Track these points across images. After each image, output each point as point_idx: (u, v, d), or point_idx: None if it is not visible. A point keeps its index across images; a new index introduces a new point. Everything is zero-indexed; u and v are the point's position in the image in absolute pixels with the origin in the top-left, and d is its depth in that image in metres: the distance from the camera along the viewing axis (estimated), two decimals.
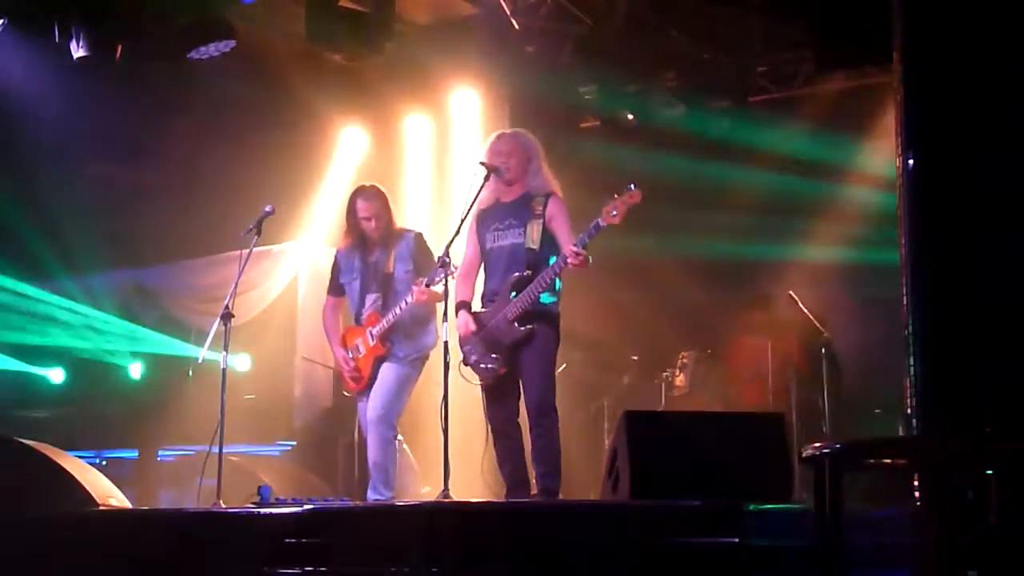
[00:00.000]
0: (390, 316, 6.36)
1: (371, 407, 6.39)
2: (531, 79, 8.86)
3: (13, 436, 6.20)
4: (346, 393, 6.71)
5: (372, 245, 6.55)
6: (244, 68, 8.51)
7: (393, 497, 6.28)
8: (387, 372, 6.42)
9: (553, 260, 5.79)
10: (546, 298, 5.81)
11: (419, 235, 6.58)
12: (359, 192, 6.61)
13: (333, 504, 6.22)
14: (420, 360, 6.51)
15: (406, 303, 6.29)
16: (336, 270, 6.69)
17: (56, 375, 9.87)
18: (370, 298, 6.51)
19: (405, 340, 6.44)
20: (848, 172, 8.61)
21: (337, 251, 6.77)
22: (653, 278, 8.82)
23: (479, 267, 6.13)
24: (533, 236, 5.86)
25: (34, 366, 9.87)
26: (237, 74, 8.50)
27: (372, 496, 6.30)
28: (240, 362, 8.98)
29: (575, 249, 5.57)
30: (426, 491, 6.83)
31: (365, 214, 6.51)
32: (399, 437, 6.62)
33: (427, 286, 6.05)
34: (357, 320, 6.57)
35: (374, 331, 6.42)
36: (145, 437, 9.47)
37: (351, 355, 6.52)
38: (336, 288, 6.68)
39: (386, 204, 6.58)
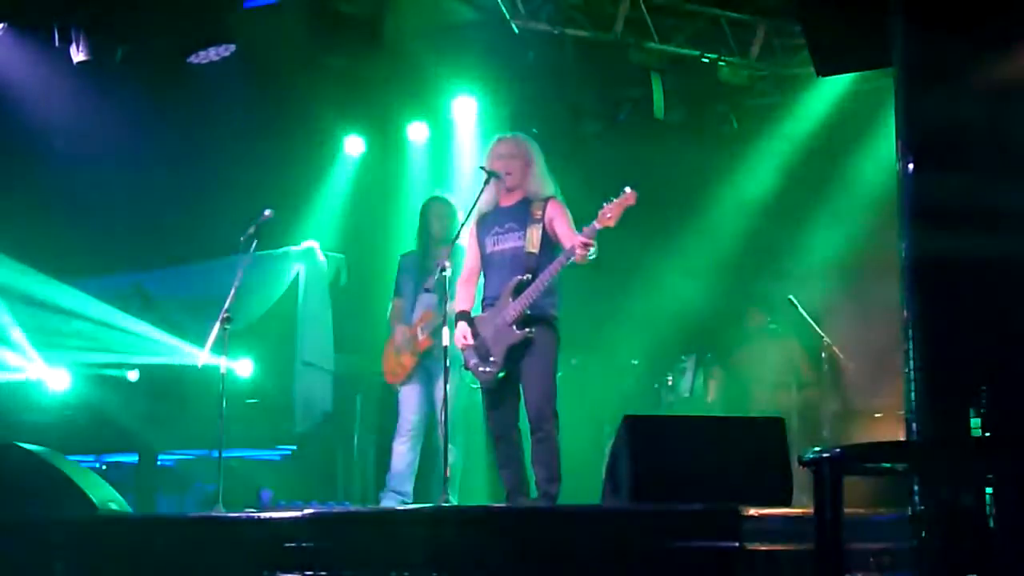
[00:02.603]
0: (442, 315, 6.54)
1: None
2: (531, 83, 8.87)
3: (13, 440, 6.20)
4: (391, 382, 7.03)
5: (433, 252, 6.87)
6: (244, 72, 8.52)
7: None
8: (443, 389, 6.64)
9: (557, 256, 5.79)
10: (546, 302, 5.81)
11: None
12: (433, 198, 7.20)
13: (333, 508, 6.23)
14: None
15: (445, 312, 6.52)
16: (399, 272, 7.17)
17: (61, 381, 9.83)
18: (425, 297, 6.80)
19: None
20: (848, 175, 8.60)
21: (402, 256, 7.20)
22: (654, 281, 8.83)
23: (479, 272, 6.13)
24: (533, 240, 5.86)
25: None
26: (237, 78, 8.52)
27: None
28: (242, 367, 8.95)
29: (584, 239, 5.57)
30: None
31: (438, 212, 7.02)
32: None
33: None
34: (408, 319, 6.95)
35: (424, 327, 6.79)
36: (145, 441, 9.45)
37: (399, 353, 6.93)
38: (398, 290, 7.13)
39: (456, 214, 7.01)
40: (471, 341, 5.91)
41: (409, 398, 6.94)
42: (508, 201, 6.04)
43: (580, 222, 5.83)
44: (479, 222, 6.09)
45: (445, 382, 5.78)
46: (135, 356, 9.35)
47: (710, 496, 4.37)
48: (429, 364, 6.83)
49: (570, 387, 7.61)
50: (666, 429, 5.13)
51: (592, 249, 5.61)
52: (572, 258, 5.63)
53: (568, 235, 5.78)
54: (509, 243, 5.94)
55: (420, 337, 6.85)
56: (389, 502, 6.71)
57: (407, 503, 6.62)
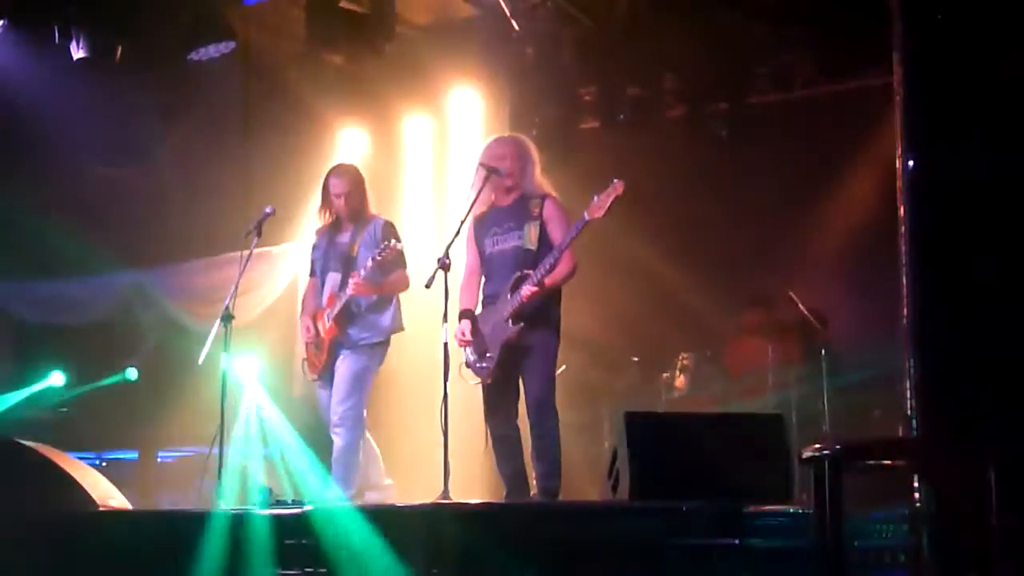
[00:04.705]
0: (343, 296, 6.40)
1: (335, 407, 6.41)
2: (531, 80, 8.86)
3: (13, 437, 6.20)
4: (310, 378, 6.67)
5: (343, 225, 6.59)
6: (244, 69, 8.52)
7: (352, 495, 6.31)
8: (344, 366, 6.44)
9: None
10: (544, 299, 5.82)
11: (388, 223, 6.59)
12: (333, 170, 6.69)
13: (333, 505, 6.22)
14: (379, 346, 6.50)
15: (346, 293, 6.36)
16: (312, 249, 6.75)
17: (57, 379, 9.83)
18: (331, 278, 6.54)
19: (361, 324, 6.46)
20: (848, 173, 8.60)
21: (316, 230, 6.80)
22: (653, 279, 8.82)
23: (480, 273, 6.13)
24: (531, 238, 5.90)
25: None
26: (237, 75, 8.51)
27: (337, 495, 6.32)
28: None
29: (529, 290, 5.71)
30: (387, 483, 6.76)
31: (336, 191, 6.55)
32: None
33: (426, 287, 6.07)
34: (320, 303, 6.59)
35: (330, 313, 6.45)
36: (145, 438, 9.47)
37: (315, 343, 6.54)
38: (311, 269, 6.73)
39: (359, 185, 6.60)
40: (469, 338, 5.92)
41: (323, 396, 6.58)
42: (505, 201, 6.07)
43: (577, 219, 5.85)
44: (478, 224, 6.11)
45: (445, 380, 5.78)
46: None
47: (710, 493, 4.37)
48: (337, 356, 6.46)
49: (570, 384, 7.62)
50: (666, 426, 5.13)
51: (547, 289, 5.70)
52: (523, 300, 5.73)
53: (560, 239, 5.82)
54: (509, 243, 5.97)
55: (326, 325, 6.46)
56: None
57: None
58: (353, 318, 6.44)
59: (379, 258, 6.21)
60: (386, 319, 6.49)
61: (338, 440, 6.40)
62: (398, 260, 6.35)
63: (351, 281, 6.32)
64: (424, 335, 6.52)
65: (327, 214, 6.62)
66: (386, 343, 6.54)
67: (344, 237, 6.56)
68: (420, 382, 6.77)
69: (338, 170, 6.66)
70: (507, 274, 5.91)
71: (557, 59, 8.76)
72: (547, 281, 5.76)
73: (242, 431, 8.35)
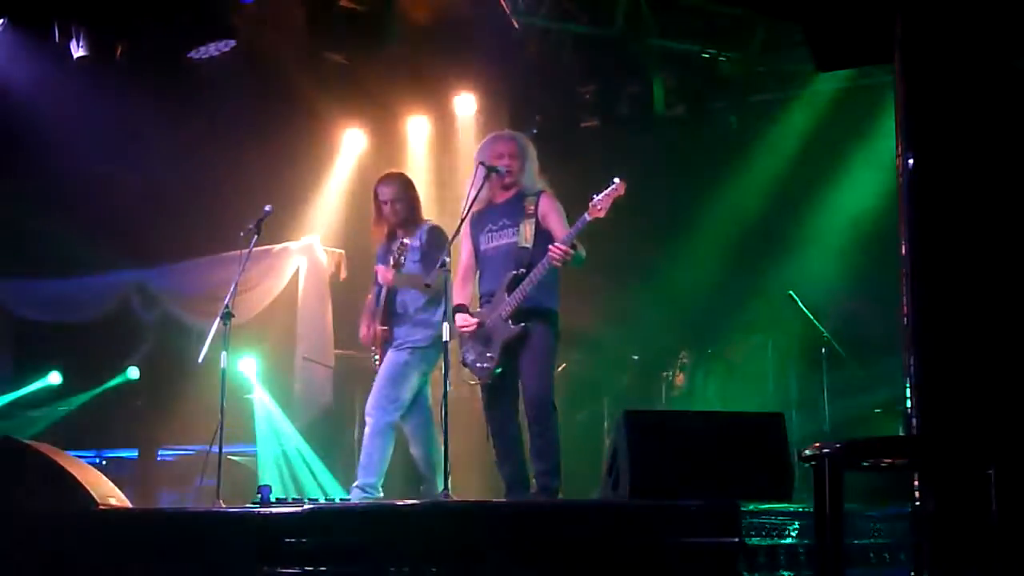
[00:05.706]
0: (383, 298, 6.45)
1: (370, 395, 6.48)
2: (531, 79, 8.86)
3: (13, 435, 6.21)
4: None
5: (397, 234, 6.58)
6: (244, 68, 8.52)
7: (374, 484, 6.30)
8: (387, 359, 6.49)
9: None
10: (542, 296, 5.82)
11: (434, 227, 6.59)
12: (381, 179, 6.73)
13: (333, 504, 6.22)
14: (422, 350, 6.45)
15: (379, 286, 6.43)
16: (376, 260, 6.78)
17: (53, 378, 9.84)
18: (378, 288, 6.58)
19: (408, 325, 6.47)
20: (848, 171, 8.60)
21: (378, 241, 6.82)
22: (653, 278, 8.83)
23: (475, 269, 6.13)
24: (526, 235, 5.89)
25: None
26: (237, 74, 8.51)
27: (358, 482, 6.33)
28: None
29: (559, 249, 5.62)
30: None
31: (384, 198, 6.59)
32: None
33: (426, 285, 6.07)
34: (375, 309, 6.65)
35: (377, 315, 6.52)
36: (145, 437, 9.48)
37: (371, 341, 6.62)
38: (375, 277, 6.76)
39: (407, 190, 6.64)
40: (472, 327, 5.91)
41: None
42: (501, 198, 6.08)
43: (575, 217, 5.85)
44: (474, 220, 6.10)
45: (445, 379, 5.78)
46: None
47: (710, 491, 4.37)
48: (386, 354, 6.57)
49: (569, 382, 7.63)
50: (666, 424, 5.13)
51: (574, 252, 5.65)
52: (553, 263, 5.65)
53: (561, 233, 5.81)
54: (504, 239, 5.97)
55: (377, 328, 6.53)
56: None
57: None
58: (399, 319, 6.48)
59: (396, 255, 6.26)
60: (428, 322, 6.42)
61: (367, 427, 6.45)
62: (428, 260, 6.33)
63: (379, 269, 6.43)
64: None
65: (382, 224, 6.66)
66: (433, 348, 6.37)
67: (397, 243, 6.53)
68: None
69: (386, 178, 6.71)
70: (501, 271, 5.90)
71: (557, 58, 8.76)
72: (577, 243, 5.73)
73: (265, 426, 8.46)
